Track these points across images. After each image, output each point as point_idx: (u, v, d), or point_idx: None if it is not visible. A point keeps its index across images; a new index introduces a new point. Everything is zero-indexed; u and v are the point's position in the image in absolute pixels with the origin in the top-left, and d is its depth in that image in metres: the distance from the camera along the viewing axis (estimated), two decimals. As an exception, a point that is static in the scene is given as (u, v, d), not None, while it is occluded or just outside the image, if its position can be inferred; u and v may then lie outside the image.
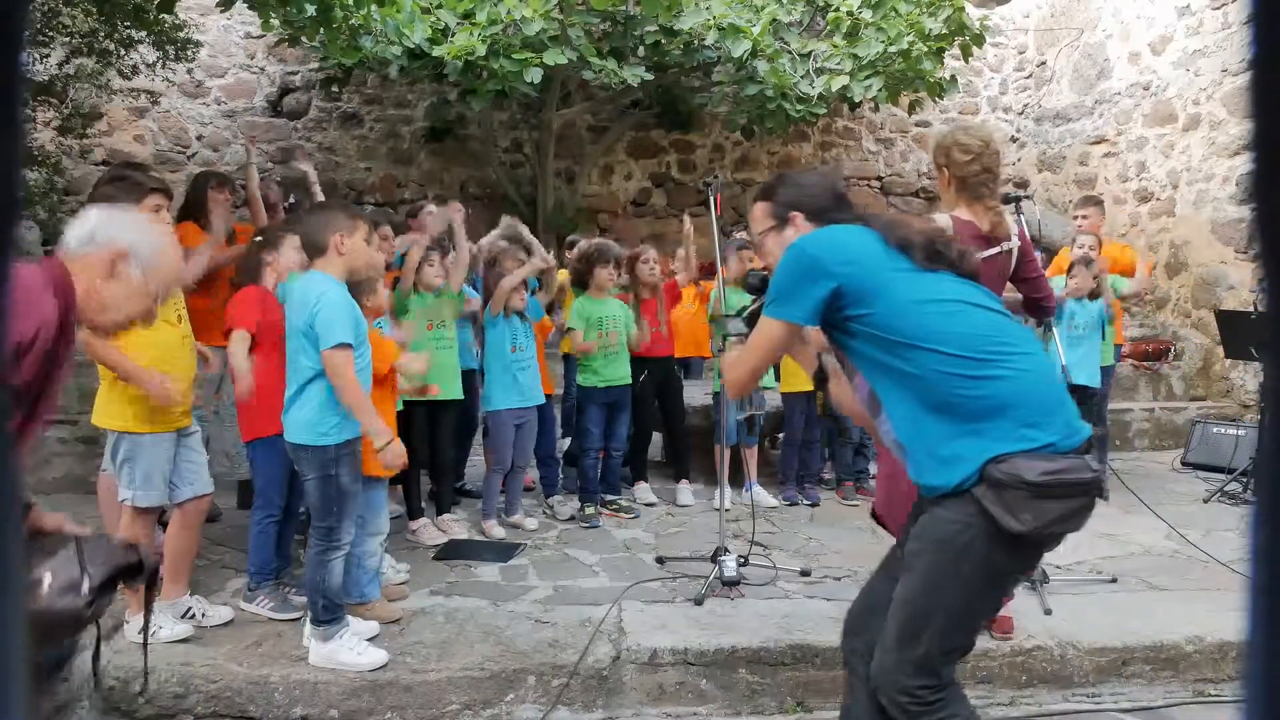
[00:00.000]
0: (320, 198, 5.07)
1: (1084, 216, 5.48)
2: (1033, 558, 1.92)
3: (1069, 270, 5.08)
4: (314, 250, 2.96)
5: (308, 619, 2.98)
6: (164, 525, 3.42)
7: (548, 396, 4.87)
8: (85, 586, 1.76)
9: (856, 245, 2.00)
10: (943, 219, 2.93)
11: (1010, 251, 3.01)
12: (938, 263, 1.97)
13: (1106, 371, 5.30)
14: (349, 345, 2.83)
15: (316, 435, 2.87)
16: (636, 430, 5.10)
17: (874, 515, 3.22)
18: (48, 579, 1.73)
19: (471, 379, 4.67)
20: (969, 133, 3.01)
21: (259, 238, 3.43)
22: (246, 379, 3.28)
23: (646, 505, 4.90)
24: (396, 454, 2.88)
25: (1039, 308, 3.21)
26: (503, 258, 4.72)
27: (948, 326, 1.89)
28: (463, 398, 4.45)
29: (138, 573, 1.92)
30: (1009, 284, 3.13)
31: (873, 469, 5.35)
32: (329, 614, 2.91)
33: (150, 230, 2.07)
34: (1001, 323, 1.95)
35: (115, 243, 1.91)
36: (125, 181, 3.17)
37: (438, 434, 4.34)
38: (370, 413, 2.86)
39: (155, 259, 1.97)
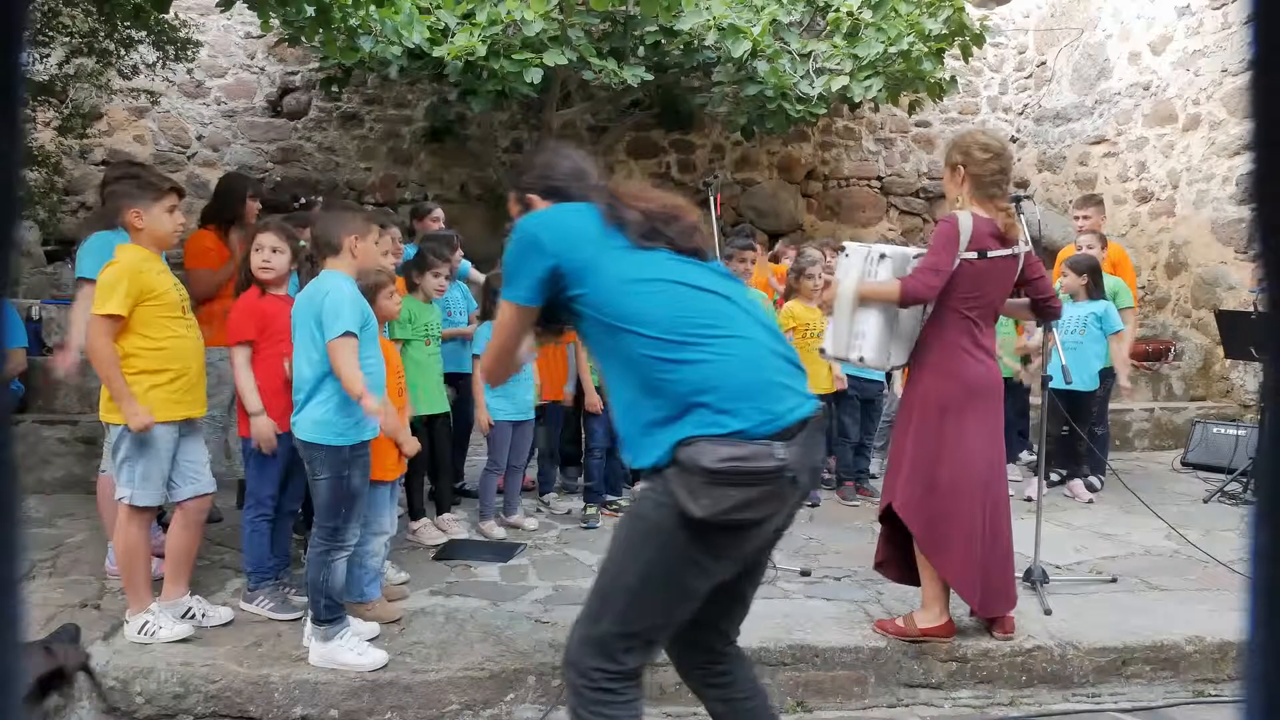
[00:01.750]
0: None
1: (1085, 216, 5.47)
2: (726, 548, 1.83)
3: (1060, 272, 5.09)
4: (327, 249, 2.97)
5: (308, 618, 2.98)
6: (164, 525, 3.42)
7: (556, 402, 4.83)
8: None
9: (573, 223, 1.95)
10: (964, 216, 2.94)
11: (1019, 256, 3.03)
12: (654, 240, 1.92)
13: (1107, 373, 5.29)
14: (354, 335, 2.84)
15: (332, 435, 2.87)
16: None
17: (882, 517, 3.24)
18: None
19: (467, 380, 4.66)
20: (987, 134, 3.08)
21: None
22: (252, 396, 3.27)
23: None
24: (387, 417, 2.94)
25: (1045, 308, 3.20)
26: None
27: (650, 307, 1.84)
28: (447, 410, 4.43)
29: (59, 679, 1.89)
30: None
31: (874, 469, 5.35)
32: (330, 613, 2.91)
33: None
34: (711, 304, 1.89)
35: None
36: (139, 180, 3.17)
37: (434, 437, 4.34)
38: (369, 398, 2.86)
39: None
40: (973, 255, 2.93)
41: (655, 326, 1.83)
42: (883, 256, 3.07)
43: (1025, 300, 3.21)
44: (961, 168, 3.01)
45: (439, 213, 5.48)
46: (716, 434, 1.76)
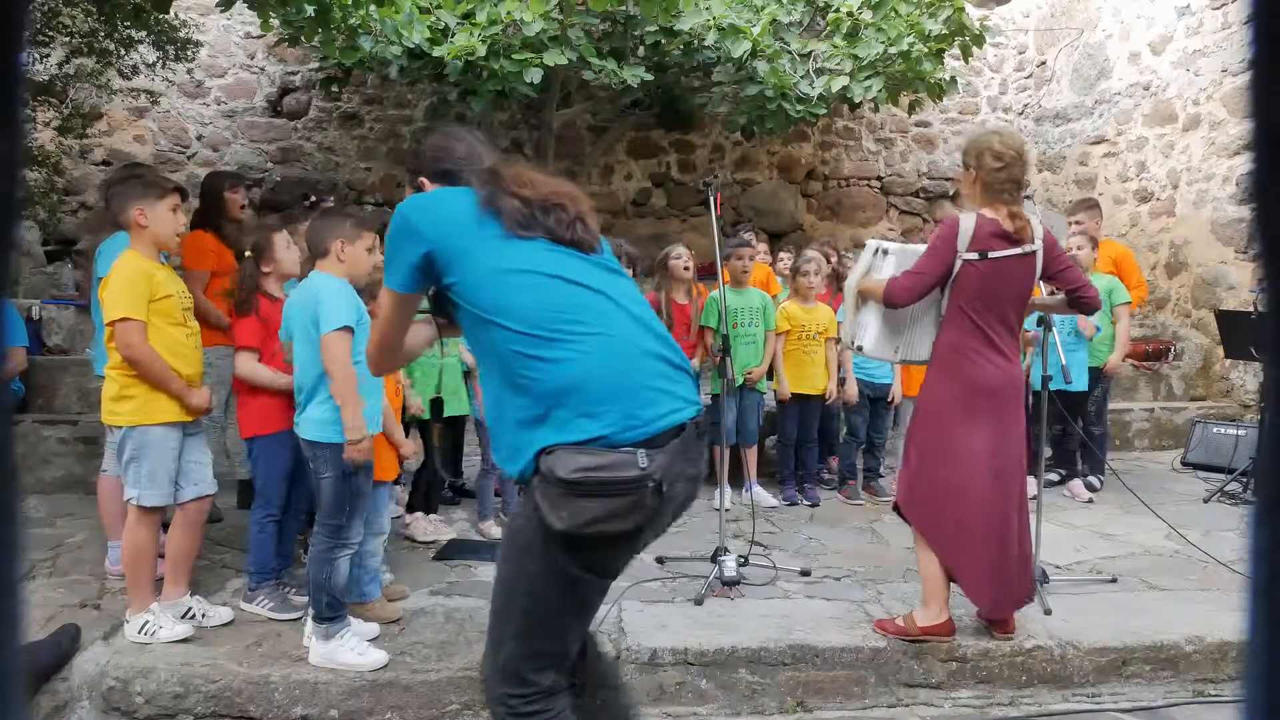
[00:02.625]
0: None
1: (1077, 222, 5.37)
2: (601, 560, 1.74)
3: None
4: (316, 252, 3.00)
5: (309, 618, 2.98)
6: (164, 526, 3.42)
7: None
8: None
9: (449, 208, 1.84)
10: (966, 218, 2.96)
11: (1035, 254, 3.02)
12: (531, 230, 1.81)
13: (1102, 373, 5.29)
14: (349, 329, 2.85)
15: (337, 433, 2.87)
16: None
17: (896, 509, 3.25)
18: None
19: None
20: (1004, 140, 3.04)
21: (249, 252, 3.43)
22: (267, 376, 3.29)
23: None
24: (364, 451, 2.88)
25: (1081, 301, 3.14)
26: None
27: (517, 300, 1.74)
28: (467, 411, 4.44)
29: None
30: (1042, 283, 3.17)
31: (881, 468, 5.34)
32: (332, 611, 2.91)
33: None
34: (582, 299, 1.77)
35: None
36: (143, 179, 3.18)
37: (427, 439, 4.33)
38: (355, 406, 2.86)
39: None
40: (973, 256, 2.94)
41: (521, 320, 1.72)
42: (885, 253, 3.12)
43: (1061, 296, 3.20)
44: (972, 170, 3.03)
45: None
46: (576, 440, 1.65)
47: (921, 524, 3.05)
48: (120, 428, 3.04)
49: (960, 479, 2.97)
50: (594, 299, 1.79)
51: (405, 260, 1.83)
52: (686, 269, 4.99)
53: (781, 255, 6.43)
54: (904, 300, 3.01)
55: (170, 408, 3.06)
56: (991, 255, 2.95)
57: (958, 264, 2.95)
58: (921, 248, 3.16)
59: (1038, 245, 3.03)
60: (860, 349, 3.18)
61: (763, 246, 6.57)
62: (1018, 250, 2.98)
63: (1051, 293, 3.33)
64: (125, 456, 3.04)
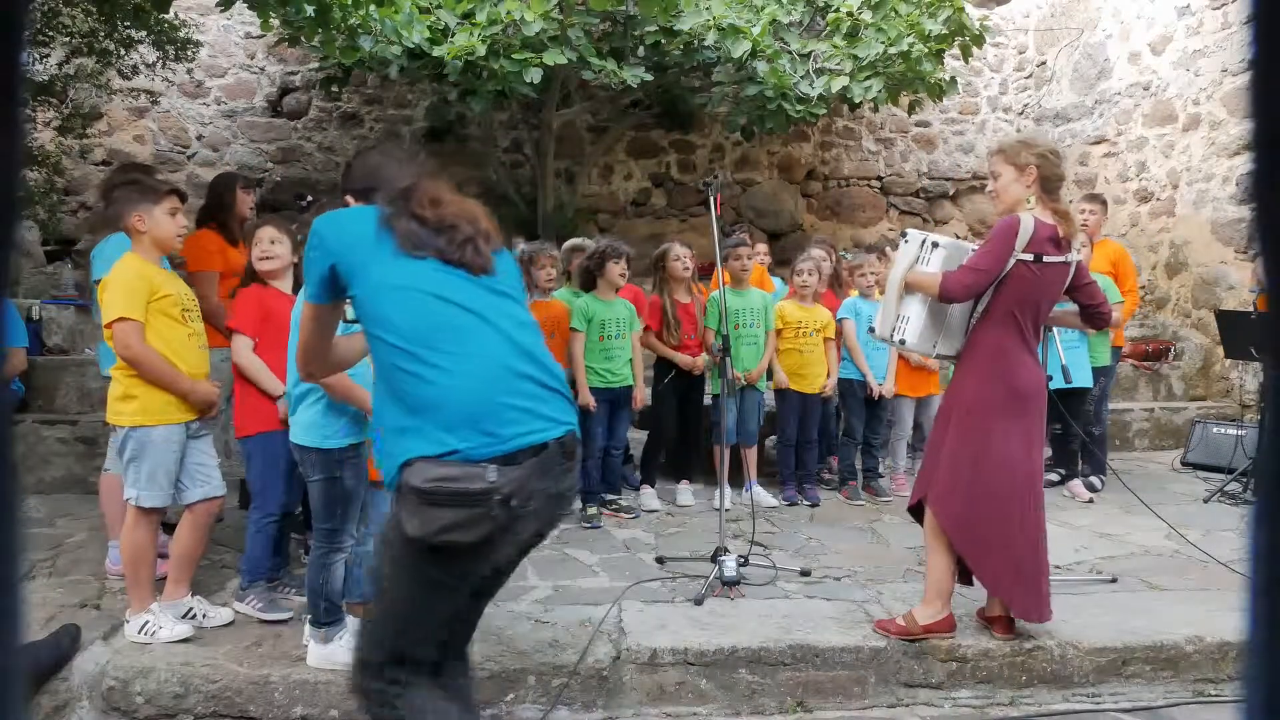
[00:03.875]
0: None
1: (1090, 212, 5.40)
2: (459, 568, 1.84)
3: None
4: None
5: (308, 621, 2.98)
6: (167, 528, 3.42)
7: None
8: None
9: (354, 225, 1.97)
10: (1027, 217, 2.94)
11: (1071, 264, 3.03)
12: (422, 249, 1.91)
13: (1102, 372, 5.29)
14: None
15: (321, 438, 2.87)
16: (652, 434, 5.11)
17: (912, 510, 3.25)
18: None
19: None
20: (1031, 133, 3.12)
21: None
22: (267, 377, 3.30)
23: (649, 511, 4.88)
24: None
25: (1095, 315, 3.15)
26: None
27: (397, 315, 1.86)
28: None
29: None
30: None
31: (880, 468, 5.34)
32: (330, 615, 2.91)
33: None
34: (455, 319, 1.87)
35: None
36: (140, 184, 3.19)
37: None
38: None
39: None
40: (1028, 258, 2.92)
41: (398, 335, 1.84)
42: (935, 245, 3.07)
43: (1074, 307, 3.19)
44: (1035, 169, 2.98)
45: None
46: (435, 454, 1.77)
47: (955, 527, 3.02)
48: (123, 428, 3.04)
49: (1005, 483, 2.98)
50: (468, 319, 1.88)
51: (315, 272, 1.96)
52: (686, 269, 4.98)
53: (758, 248, 6.35)
54: (961, 297, 2.97)
55: (173, 408, 3.06)
56: (1045, 259, 2.94)
57: (1010, 263, 2.93)
58: (970, 245, 3.14)
59: (1076, 256, 3.04)
60: (903, 342, 3.11)
61: (762, 247, 6.55)
62: (1062, 258, 2.98)
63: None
64: (126, 456, 3.04)
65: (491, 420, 1.80)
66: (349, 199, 2.18)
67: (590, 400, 4.60)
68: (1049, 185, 3.00)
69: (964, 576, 3.17)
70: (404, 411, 1.83)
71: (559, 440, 1.88)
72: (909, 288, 3.09)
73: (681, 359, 4.90)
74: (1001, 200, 3.07)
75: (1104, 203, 5.65)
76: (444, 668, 1.98)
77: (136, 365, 2.99)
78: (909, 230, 3.23)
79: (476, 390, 1.81)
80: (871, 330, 3.28)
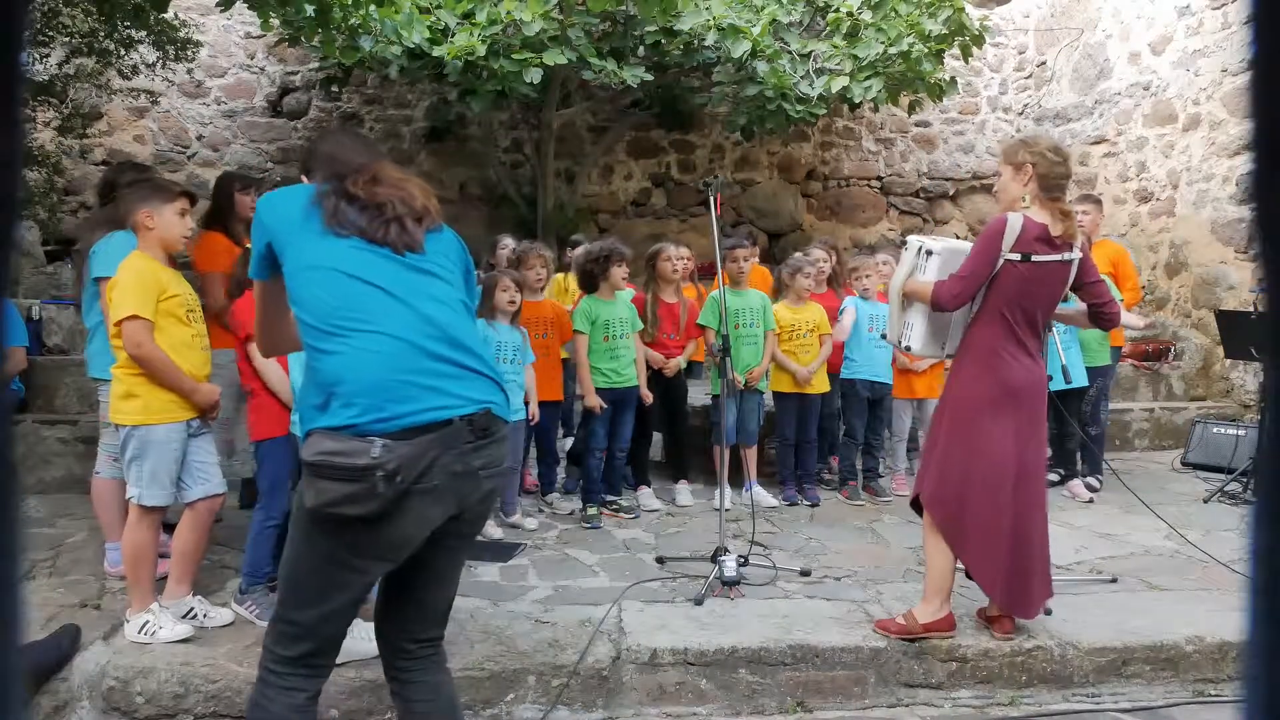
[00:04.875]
0: None
1: (1084, 213, 5.38)
2: (356, 542, 1.86)
3: None
4: None
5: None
6: (167, 528, 3.42)
7: (555, 403, 4.86)
8: None
9: (285, 203, 2.00)
10: (1015, 217, 2.95)
11: (1073, 262, 3.03)
12: (345, 228, 1.94)
13: (1101, 371, 5.28)
14: None
15: None
16: (638, 432, 5.10)
17: (913, 503, 3.27)
18: None
19: None
20: (1051, 139, 3.16)
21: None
22: (283, 386, 3.29)
23: (649, 511, 4.88)
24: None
25: (1102, 315, 3.15)
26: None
27: (312, 294, 1.89)
28: None
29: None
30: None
31: (880, 468, 5.34)
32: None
33: None
34: (366, 297, 1.88)
35: None
36: (152, 182, 3.19)
37: None
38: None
39: None
40: (1015, 257, 2.93)
41: (312, 313, 1.88)
42: (930, 253, 3.08)
43: (1082, 306, 3.19)
44: (1030, 167, 2.99)
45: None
46: (329, 427, 1.81)
47: (944, 519, 3.04)
48: (125, 426, 3.04)
49: (991, 477, 2.99)
50: (379, 298, 1.89)
51: (255, 249, 2.02)
52: (675, 271, 4.98)
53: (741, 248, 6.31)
54: (952, 306, 3.00)
55: (175, 407, 3.06)
56: (1034, 259, 2.95)
57: (999, 263, 2.95)
58: (966, 245, 3.14)
59: (1077, 254, 3.03)
60: (909, 349, 3.16)
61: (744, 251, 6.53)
62: (1058, 256, 2.98)
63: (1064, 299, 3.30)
64: (128, 455, 3.04)
65: (387, 396, 1.81)
66: (304, 180, 2.19)
67: (597, 402, 4.60)
68: (1048, 184, 2.99)
69: (968, 570, 3.17)
70: (316, 388, 1.87)
71: (467, 418, 1.87)
72: (907, 297, 3.12)
73: (654, 356, 4.89)
74: (1000, 199, 3.10)
75: (1098, 202, 5.64)
76: (321, 664, 1.98)
77: (146, 364, 2.98)
78: (909, 237, 3.25)
79: (375, 366, 1.83)
80: (883, 336, 3.32)
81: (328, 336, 1.86)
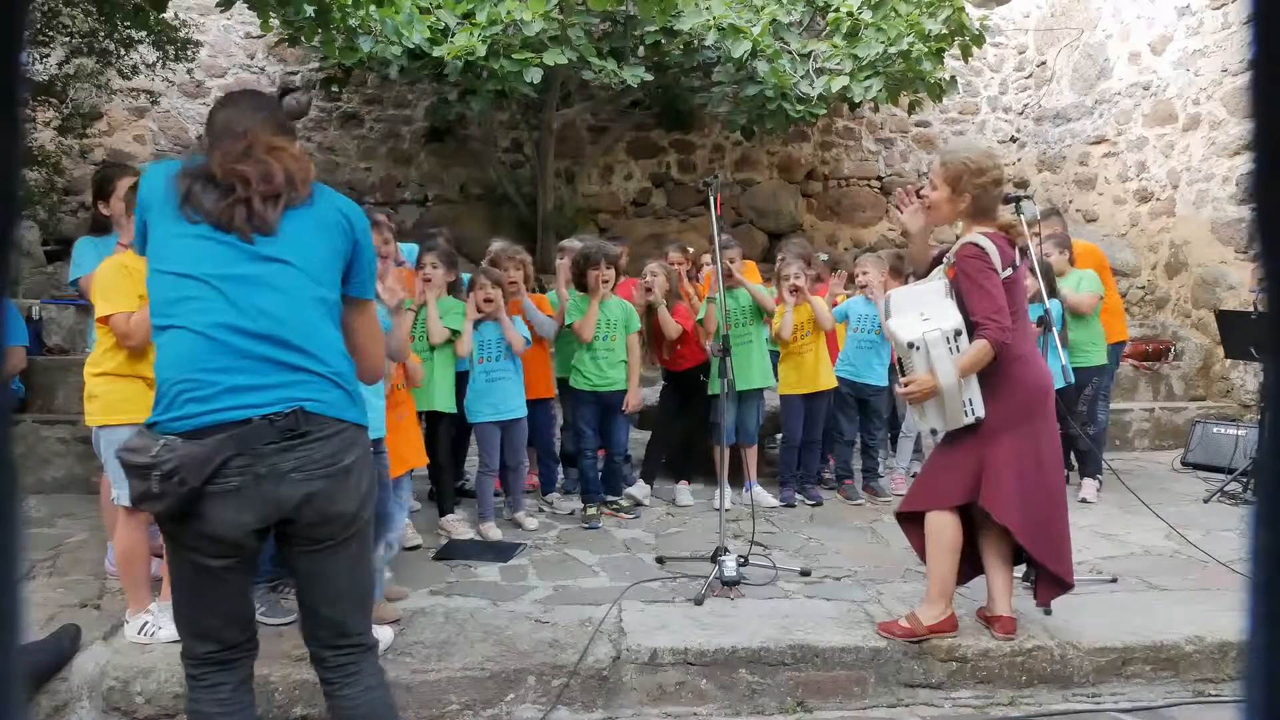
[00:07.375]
0: None
1: (1050, 234, 5.27)
2: (177, 535, 1.84)
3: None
4: None
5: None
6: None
7: (546, 400, 4.86)
8: None
9: (157, 182, 1.92)
10: (983, 240, 2.99)
11: (1025, 264, 3.16)
12: (197, 213, 1.85)
13: (1099, 371, 5.27)
14: None
15: None
16: (654, 436, 5.17)
17: (896, 515, 3.26)
18: None
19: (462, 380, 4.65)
20: (971, 151, 3.09)
21: None
22: None
23: (637, 505, 4.87)
24: None
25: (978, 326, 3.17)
26: (501, 259, 4.70)
27: (150, 286, 1.89)
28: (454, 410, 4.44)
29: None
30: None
31: (880, 468, 5.33)
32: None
33: None
34: (181, 290, 1.83)
35: None
36: (130, 178, 3.19)
37: (435, 441, 4.33)
38: None
39: None
40: (1007, 273, 3.01)
41: (153, 311, 1.90)
42: (959, 333, 2.96)
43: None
44: (970, 200, 3.01)
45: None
46: (146, 423, 1.83)
47: (1025, 529, 2.98)
48: (93, 427, 3.04)
49: (1056, 480, 3.06)
50: (197, 291, 1.82)
51: (138, 224, 1.95)
52: (650, 291, 4.88)
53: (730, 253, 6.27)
54: (1008, 338, 2.96)
55: (134, 407, 2.98)
56: (1016, 266, 3.05)
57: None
58: (938, 283, 3.08)
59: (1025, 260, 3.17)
60: (980, 419, 3.00)
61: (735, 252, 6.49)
62: (1017, 262, 3.07)
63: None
64: (102, 456, 3.05)
65: (186, 393, 1.78)
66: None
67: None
68: (980, 209, 3.04)
69: (961, 577, 3.17)
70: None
71: (268, 417, 1.78)
72: (963, 375, 2.98)
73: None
74: (931, 214, 3.12)
75: (1055, 214, 5.69)
76: (232, 657, 1.96)
77: (147, 350, 2.96)
78: (914, 341, 3.00)
79: (181, 363, 1.80)
80: (934, 432, 3.24)
81: (158, 331, 1.87)
